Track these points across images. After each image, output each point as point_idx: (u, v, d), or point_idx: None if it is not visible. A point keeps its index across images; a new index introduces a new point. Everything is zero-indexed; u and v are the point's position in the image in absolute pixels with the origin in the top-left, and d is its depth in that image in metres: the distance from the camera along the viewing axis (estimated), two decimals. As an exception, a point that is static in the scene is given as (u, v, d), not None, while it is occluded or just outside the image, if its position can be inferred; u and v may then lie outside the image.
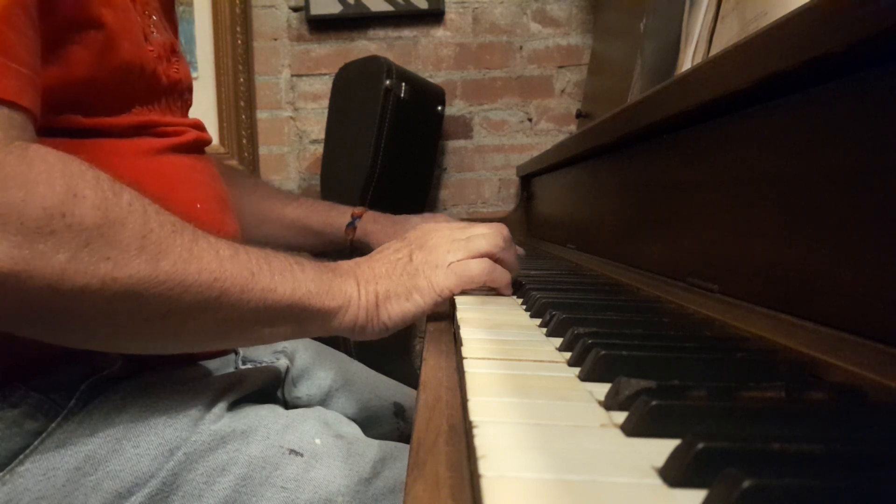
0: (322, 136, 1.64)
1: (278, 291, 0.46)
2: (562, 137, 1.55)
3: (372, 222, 0.91)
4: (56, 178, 0.37)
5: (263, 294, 0.45)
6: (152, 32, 0.58)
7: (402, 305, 0.51)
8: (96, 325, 0.41)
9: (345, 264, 0.53)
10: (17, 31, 0.40)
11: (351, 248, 0.91)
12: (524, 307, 0.53)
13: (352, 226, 0.89)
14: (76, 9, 0.47)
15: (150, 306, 0.41)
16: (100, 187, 0.39)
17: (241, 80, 1.68)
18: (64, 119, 0.49)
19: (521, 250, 0.90)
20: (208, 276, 0.42)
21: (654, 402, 0.24)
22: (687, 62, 0.72)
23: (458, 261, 0.52)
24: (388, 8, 1.64)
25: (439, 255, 0.53)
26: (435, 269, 0.52)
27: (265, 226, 0.88)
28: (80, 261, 0.37)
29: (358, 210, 0.91)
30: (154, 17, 0.59)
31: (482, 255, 0.53)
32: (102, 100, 0.52)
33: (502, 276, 0.55)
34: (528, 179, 1.55)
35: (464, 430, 0.27)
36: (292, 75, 1.72)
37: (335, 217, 0.90)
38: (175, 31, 0.66)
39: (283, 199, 0.91)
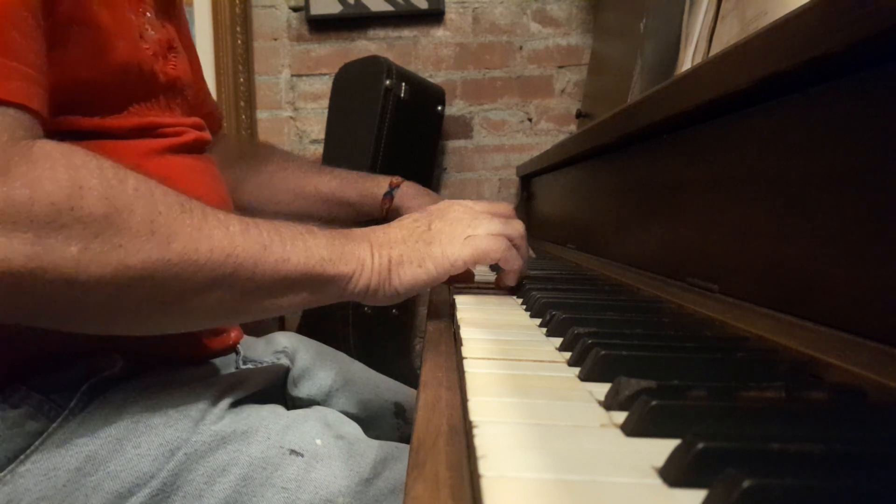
0: (322, 136, 1.64)
1: (291, 261, 0.46)
2: (562, 137, 1.55)
3: (412, 196, 0.87)
4: (60, 173, 0.37)
5: (277, 266, 0.45)
6: (147, 30, 0.57)
7: (413, 271, 0.50)
8: (114, 312, 0.41)
9: (358, 230, 0.52)
10: (22, 32, 0.40)
11: (385, 218, 0.89)
12: (524, 307, 0.53)
13: (389, 195, 0.88)
14: (74, 9, 0.47)
15: (165, 288, 0.41)
16: (104, 176, 0.39)
17: (241, 80, 1.68)
18: (63, 121, 0.49)
19: (532, 253, 0.90)
20: (220, 254, 0.42)
21: (654, 402, 0.24)
22: (687, 62, 0.72)
23: (476, 235, 0.52)
24: (388, 8, 1.64)
25: (458, 227, 0.53)
26: (452, 240, 0.52)
27: (299, 200, 0.87)
28: (92, 251, 0.37)
29: (396, 179, 0.89)
30: (149, 15, 0.59)
31: (501, 235, 0.53)
32: (100, 100, 0.52)
33: (515, 260, 0.55)
34: (528, 179, 1.55)
35: (464, 430, 0.27)
36: (292, 75, 1.72)
37: (371, 187, 0.88)
38: (176, 27, 0.66)
39: (316, 172, 0.89)
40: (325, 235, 0.49)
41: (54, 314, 0.40)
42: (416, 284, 0.51)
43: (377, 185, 0.89)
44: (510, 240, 0.54)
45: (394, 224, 0.54)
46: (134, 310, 0.42)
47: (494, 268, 0.60)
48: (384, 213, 0.89)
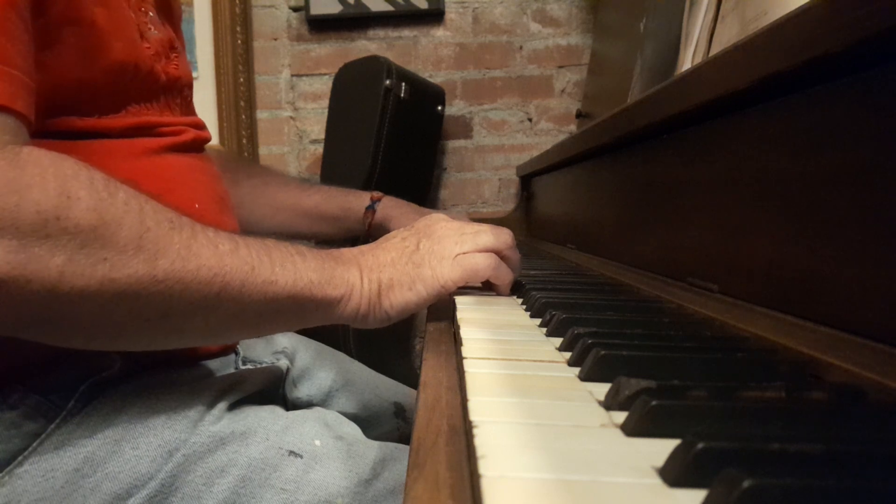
0: (322, 136, 1.64)
1: (279, 283, 0.45)
2: (562, 137, 1.55)
3: (394, 207, 0.88)
4: (49, 181, 0.36)
5: (264, 287, 0.44)
6: (149, 29, 0.57)
7: (404, 295, 0.50)
8: (97, 327, 0.41)
9: (347, 252, 0.52)
10: (9, 34, 0.39)
11: (368, 233, 0.89)
12: (524, 307, 0.53)
13: (371, 209, 0.88)
14: (67, 9, 0.46)
15: (150, 305, 0.40)
16: (94, 188, 0.38)
17: (241, 80, 1.68)
18: (58, 121, 0.49)
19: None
20: (207, 273, 0.42)
21: (654, 402, 0.24)
22: (687, 62, 0.72)
23: (464, 253, 0.52)
24: (388, 8, 1.64)
25: (446, 245, 0.52)
26: (441, 261, 0.51)
27: (281, 215, 0.87)
28: (77, 263, 0.37)
29: (377, 194, 0.89)
30: (151, 14, 0.58)
31: (489, 251, 0.53)
32: (96, 100, 0.52)
33: (506, 274, 0.55)
34: (528, 179, 1.55)
35: (464, 430, 0.27)
36: (292, 75, 1.72)
37: (352, 202, 0.89)
38: (175, 27, 0.65)
39: (297, 188, 0.90)
40: (315, 258, 0.49)
41: (36, 326, 0.39)
42: (406, 308, 0.51)
43: (359, 199, 0.89)
44: (499, 252, 0.54)
45: (381, 244, 0.54)
46: (117, 325, 0.41)
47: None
48: (367, 227, 0.88)
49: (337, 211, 0.89)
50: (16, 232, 0.35)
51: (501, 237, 0.54)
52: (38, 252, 0.35)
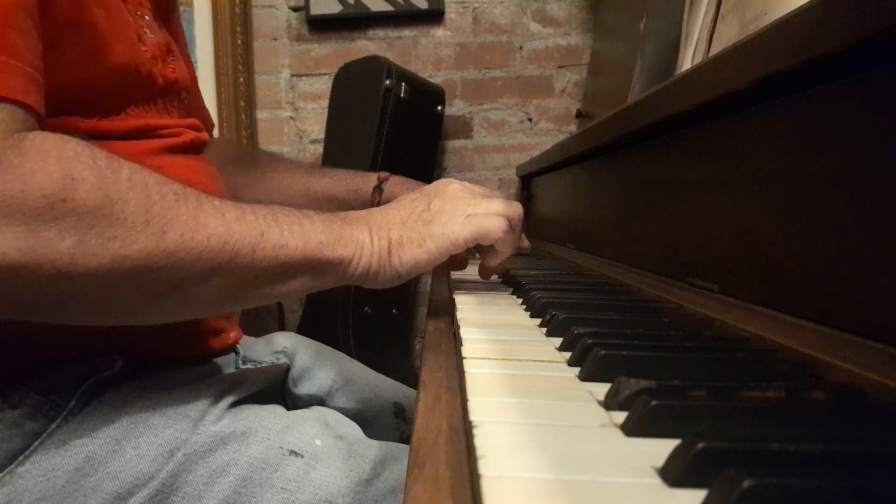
0: (322, 136, 1.64)
1: (289, 247, 0.45)
2: (562, 137, 1.55)
3: (399, 185, 0.89)
4: (52, 165, 0.37)
5: (275, 251, 0.45)
6: (146, 33, 0.57)
7: (413, 252, 0.50)
8: (112, 304, 0.41)
9: (355, 213, 0.52)
10: (19, 31, 0.40)
11: None
12: (524, 307, 0.53)
13: (378, 189, 0.88)
14: (70, 11, 0.47)
15: (163, 278, 0.41)
16: (97, 167, 0.39)
17: (241, 80, 1.68)
18: (61, 122, 0.49)
19: (527, 242, 0.90)
20: (217, 241, 0.42)
21: (654, 402, 0.24)
22: (687, 62, 0.72)
23: (476, 213, 0.52)
24: (388, 8, 1.64)
25: (458, 206, 0.52)
26: (452, 218, 0.51)
27: (291, 200, 0.87)
28: (87, 243, 0.37)
29: (384, 174, 0.90)
30: (147, 18, 0.59)
31: (501, 216, 0.53)
32: (98, 102, 0.52)
33: (511, 243, 0.55)
34: (528, 179, 1.55)
35: (464, 430, 0.27)
36: (292, 75, 1.72)
37: (360, 183, 0.89)
38: (172, 31, 0.66)
39: (305, 172, 0.90)
40: (323, 220, 0.49)
41: (52, 308, 0.40)
42: (417, 265, 0.50)
43: (366, 180, 0.89)
44: (510, 220, 0.54)
45: (392, 205, 0.54)
46: (132, 301, 0.41)
47: (479, 249, 0.60)
48: (374, 206, 0.88)
49: (346, 194, 0.89)
50: (23, 217, 0.35)
51: (513, 207, 0.55)
52: (47, 236, 0.36)
